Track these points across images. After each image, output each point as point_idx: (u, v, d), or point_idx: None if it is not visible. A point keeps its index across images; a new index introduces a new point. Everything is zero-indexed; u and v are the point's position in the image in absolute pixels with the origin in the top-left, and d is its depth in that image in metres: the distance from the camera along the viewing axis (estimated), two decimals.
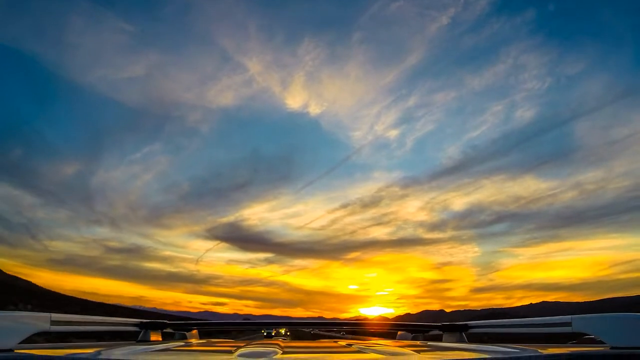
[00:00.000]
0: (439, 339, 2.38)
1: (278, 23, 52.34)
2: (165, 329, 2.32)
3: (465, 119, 61.21)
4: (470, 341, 2.24)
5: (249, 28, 48.96)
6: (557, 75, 50.75)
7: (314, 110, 56.33)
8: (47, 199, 64.89)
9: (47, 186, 61.87)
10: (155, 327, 2.24)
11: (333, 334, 17.44)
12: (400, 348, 1.50)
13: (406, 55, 50.94)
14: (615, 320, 1.31)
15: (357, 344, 1.76)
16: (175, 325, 2.42)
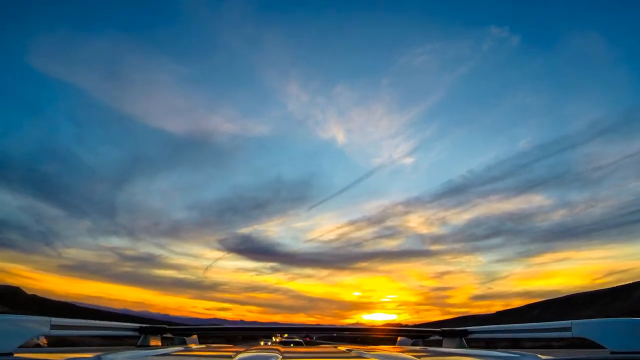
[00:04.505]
0: (439, 344, 2.37)
1: (317, 70, 56.33)
2: (164, 333, 2.31)
3: (473, 149, 65.45)
4: (470, 346, 2.23)
5: (290, 74, 52.85)
6: (555, 113, 54.91)
7: (341, 141, 59.43)
8: (70, 211, 65.15)
9: (73, 200, 62.10)
10: (154, 332, 2.23)
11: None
12: (400, 353, 1.50)
13: (427, 97, 55.37)
14: (614, 324, 1.30)
15: (357, 349, 1.75)
16: (174, 330, 2.41)
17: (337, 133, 57.55)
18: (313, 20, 47.59)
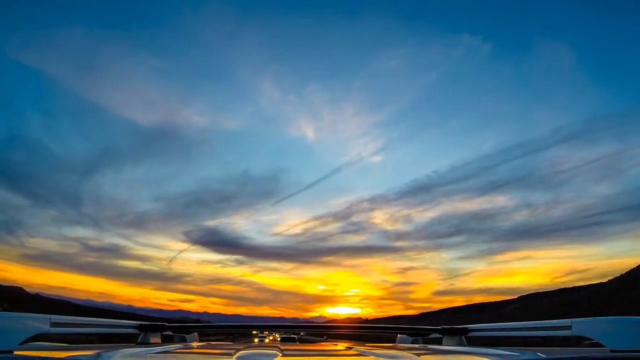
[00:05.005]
0: (438, 342, 2.37)
1: (291, 69, 58.55)
2: (164, 331, 2.31)
3: (439, 151, 68.37)
4: (470, 344, 2.23)
5: (264, 72, 54.53)
6: (521, 119, 58.02)
7: (310, 138, 60.90)
8: (35, 200, 65.16)
9: (38, 189, 62.16)
10: (154, 330, 2.23)
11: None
12: (400, 351, 1.50)
13: (397, 100, 57.64)
14: (614, 323, 1.31)
15: (356, 347, 1.76)
16: (174, 327, 2.41)
17: (307, 131, 58.47)
18: (290, 22, 48.46)
